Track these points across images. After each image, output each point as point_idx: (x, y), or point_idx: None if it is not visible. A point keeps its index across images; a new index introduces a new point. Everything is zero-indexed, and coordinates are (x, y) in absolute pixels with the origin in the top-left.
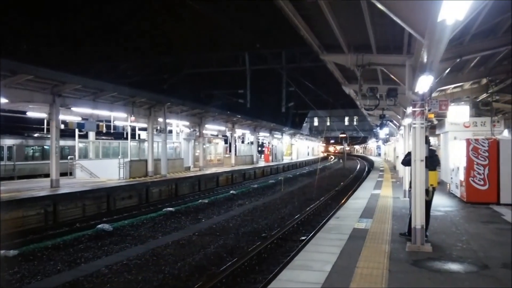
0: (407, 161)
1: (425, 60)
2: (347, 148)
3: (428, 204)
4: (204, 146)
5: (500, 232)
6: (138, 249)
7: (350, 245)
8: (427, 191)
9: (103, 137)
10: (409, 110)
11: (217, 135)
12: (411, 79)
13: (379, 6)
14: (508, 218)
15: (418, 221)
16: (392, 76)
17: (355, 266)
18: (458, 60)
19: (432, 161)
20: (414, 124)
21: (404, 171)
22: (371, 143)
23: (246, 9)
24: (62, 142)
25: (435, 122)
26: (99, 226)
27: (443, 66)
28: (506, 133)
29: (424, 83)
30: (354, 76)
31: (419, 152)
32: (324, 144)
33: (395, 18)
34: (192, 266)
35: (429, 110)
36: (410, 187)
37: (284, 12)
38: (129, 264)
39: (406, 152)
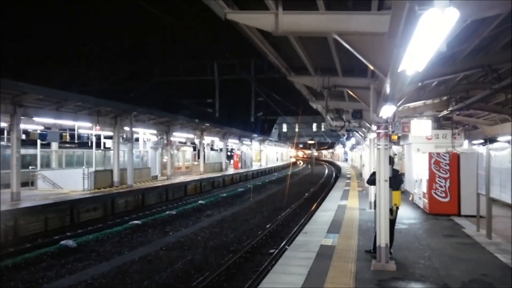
0: (372, 181)
1: (388, 92)
2: (316, 154)
3: (392, 222)
4: (172, 152)
5: (460, 247)
6: (103, 266)
7: (317, 265)
8: (391, 210)
9: (67, 145)
10: (374, 127)
11: (185, 143)
12: (375, 102)
13: (346, 45)
14: (468, 231)
15: (383, 240)
16: (358, 98)
17: None
18: (420, 84)
19: (396, 181)
20: (378, 145)
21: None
22: (339, 149)
23: (214, 21)
24: (23, 151)
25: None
26: (62, 242)
27: (406, 89)
28: (466, 144)
29: (387, 111)
30: (321, 93)
31: (383, 172)
32: (293, 150)
33: (360, 57)
34: (159, 285)
35: (392, 132)
36: (375, 205)
37: (252, 41)
38: (93, 284)
39: (371, 171)
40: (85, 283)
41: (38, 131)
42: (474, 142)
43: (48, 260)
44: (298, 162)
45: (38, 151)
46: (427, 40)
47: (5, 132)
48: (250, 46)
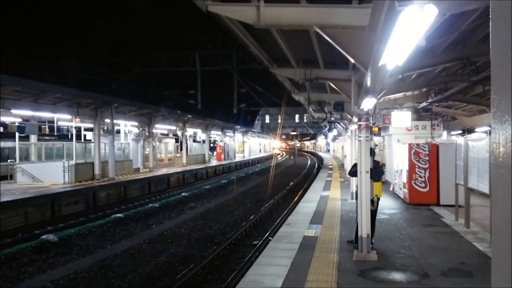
0: (353, 172)
1: (368, 85)
2: (298, 144)
3: (373, 213)
4: (154, 144)
5: (439, 236)
6: (85, 260)
7: (300, 256)
8: (372, 201)
9: (46, 138)
10: (355, 119)
11: (167, 134)
12: (356, 94)
13: (327, 38)
14: (447, 220)
15: (364, 230)
16: (339, 90)
17: (305, 280)
18: (400, 76)
19: (377, 172)
20: (360, 137)
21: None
22: (321, 140)
23: (196, 12)
24: (1, 144)
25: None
26: (43, 237)
27: (387, 81)
28: (444, 135)
29: (368, 103)
30: (303, 85)
31: (364, 164)
32: (276, 141)
33: (341, 51)
34: (143, 278)
35: (373, 124)
36: (357, 197)
37: (234, 33)
38: (76, 278)
39: (353, 163)
40: (68, 278)
41: (16, 124)
42: (452, 132)
43: (29, 255)
44: (281, 153)
45: (16, 144)
46: (407, 35)
47: None
48: (232, 37)
